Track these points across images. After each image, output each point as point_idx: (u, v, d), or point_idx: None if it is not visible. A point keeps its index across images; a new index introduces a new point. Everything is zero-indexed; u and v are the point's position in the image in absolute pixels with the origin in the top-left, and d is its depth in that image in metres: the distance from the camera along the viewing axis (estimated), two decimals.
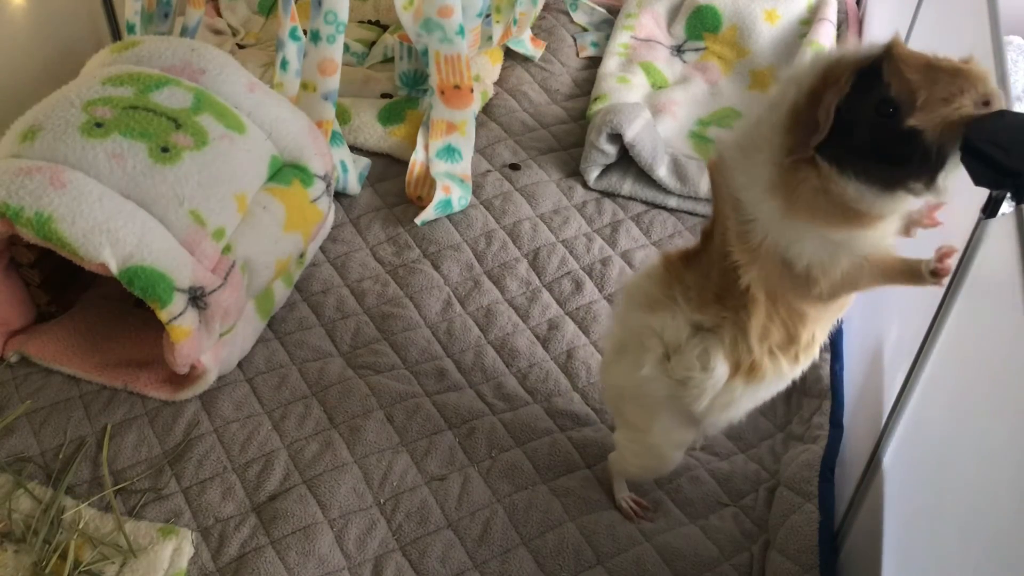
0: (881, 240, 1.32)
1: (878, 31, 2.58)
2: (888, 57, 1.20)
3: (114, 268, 1.75)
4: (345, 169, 2.39)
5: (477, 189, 2.44)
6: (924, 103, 1.17)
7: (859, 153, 1.23)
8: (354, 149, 2.54)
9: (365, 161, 2.50)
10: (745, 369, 1.48)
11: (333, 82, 2.31)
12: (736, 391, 1.51)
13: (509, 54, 2.90)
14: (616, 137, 2.38)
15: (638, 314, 1.55)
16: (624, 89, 2.65)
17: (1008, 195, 1.14)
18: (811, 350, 1.50)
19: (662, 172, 2.38)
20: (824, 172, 1.26)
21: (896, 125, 1.18)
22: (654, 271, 1.56)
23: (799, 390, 1.96)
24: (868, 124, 1.21)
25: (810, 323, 1.46)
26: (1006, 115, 1.14)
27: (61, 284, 2.05)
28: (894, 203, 1.26)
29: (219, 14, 3.00)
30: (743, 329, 1.44)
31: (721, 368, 1.48)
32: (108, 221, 1.75)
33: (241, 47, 2.90)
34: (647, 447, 1.66)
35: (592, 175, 2.45)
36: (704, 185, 2.37)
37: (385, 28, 2.97)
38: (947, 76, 1.17)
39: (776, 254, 1.36)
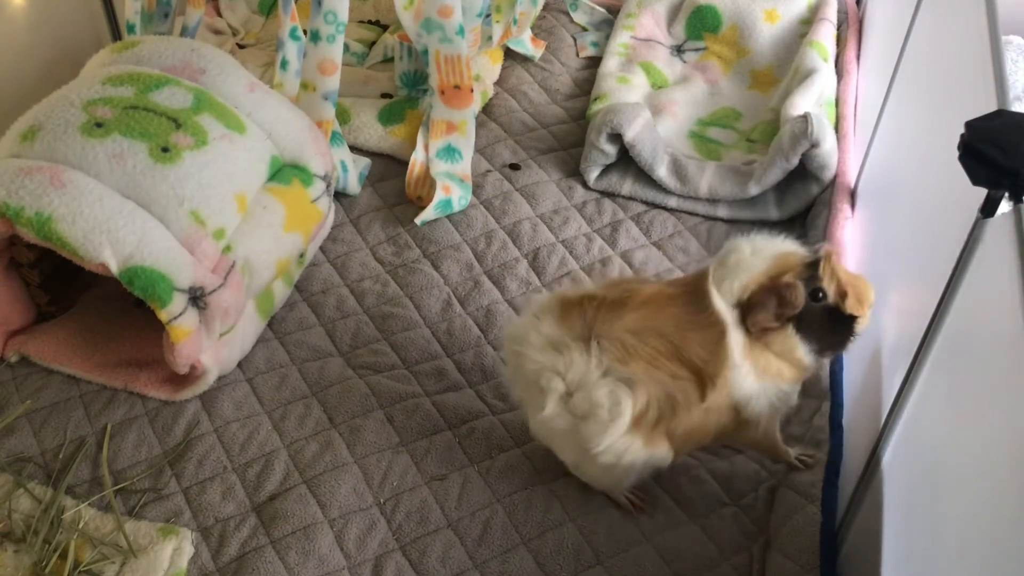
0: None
1: (878, 31, 2.58)
2: (826, 260, 1.57)
3: (114, 268, 1.75)
4: (345, 169, 2.39)
5: (477, 189, 2.45)
6: (852, 298, 1.57)
7: (813, 326, 1.58)
8: (354, 149, 2.54)
9: (365, 161, 2.50)
10: (647, 428, 1.60)
11: (333, 82, 2.31)
12: (632, 445, 1.60)
13: (509, 54, 2.90)
14: (616, 137, 2.38)
15: (535, 356, 1.62)
16: (624, 89, 2.65)
17: (1006, 194, 1.14)
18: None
19: (662, 172, 2.38)
20: (788, 337, 1.58)
21: (838, 310, 1.57)
22: (546, 315, 1.63)
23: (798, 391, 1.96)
24: (814, 307, 1.57)
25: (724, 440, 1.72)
26: (1004, 115, 1.14)
27: (61, 284, 2.05)
28: (818, 363, 1.66)
29: (219, 14, 3.00)
30: (673, 405, 1.59)
31: (628, 411, 1.56)
32: (108, 221, 1.75)
33: (241, 47, 2.91)
34: (596, 473, 1.72)
35: (592, 175, 2.45)
36: (704, 185, 2.37)
37: (385, 28, 2.97)
38: (862, 285, 1.59)
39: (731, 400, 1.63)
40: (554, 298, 1.65)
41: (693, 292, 1.61)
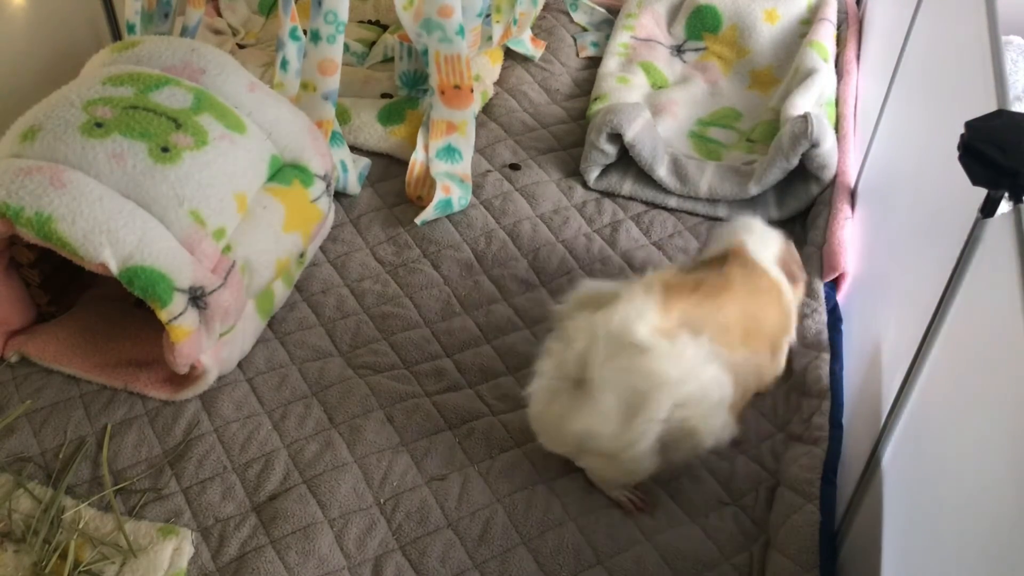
0: None
1: (878, 31, 2.58)
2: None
3: (114, 268, 1.75)
4: (345, 169, 2.39)
5: (477, 189, 2.45)
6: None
7: None
8: (354, 149, 2.54)
9: (365, 161, 2.50)
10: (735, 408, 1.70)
11: (333, 82, 2.31)
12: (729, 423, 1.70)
13: (509, 54, 2.90)
14: (616, 137, 2.38)
15: (634, 358, 1.56)
16: (624, 89, 2.65)
17: (1006, 194, 1.14)
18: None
19: (662, 172, 2.38)
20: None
21: None
22: (648, 306, 1.57)
23: (799, 390, 1.96)
24: None
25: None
26: (1004, 115, 1.14)
27: (61, 284, 2.05)
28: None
29: (219, 14, 3.00)
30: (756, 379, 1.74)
31: (729, 395, 1.67)
32: (108, 221, 1.75)
33: (241, 47, 2.91)
34: (623, 466, 1.69)
35: (592, 175, 2.45)
36: (704, 185, 2.37)
37: (385, 28, 2.97)
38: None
39: None
40: (655, 285, 1.61)
41: (741, 268, 1.74)
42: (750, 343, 1.67)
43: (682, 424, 1.62)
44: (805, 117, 2.26)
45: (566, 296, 1.71)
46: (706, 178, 2.37)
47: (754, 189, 2.33)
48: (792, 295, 1.82)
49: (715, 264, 1.76)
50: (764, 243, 1.82)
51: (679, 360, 1.57)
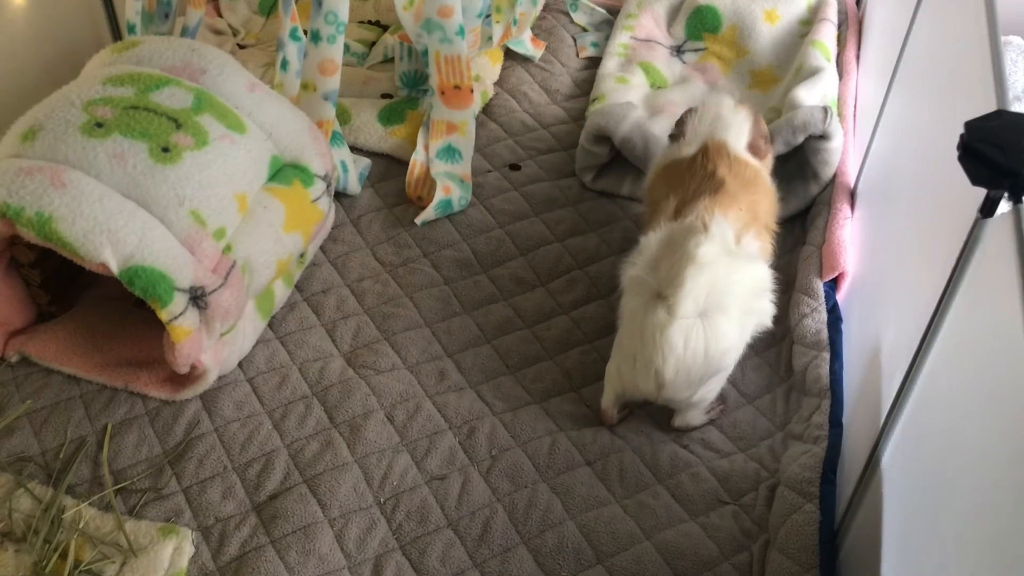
0: None
1: (878, 31, 2.58)
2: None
3: (115, 268, 1.75)
4: (345, 169, 2.39)
5: (477, 189, 2.45)
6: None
7: None
8: (354, 149, 2.54)
9: (365, 161, 2.50)
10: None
11: (333, 82, 2.31)
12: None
13: (509, 54, 2.90)
14: (606, 139, 2.39)
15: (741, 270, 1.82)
16: (623, 89, 2.65)
17: (1005, 194, 1.14)
18: None
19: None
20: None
21: None
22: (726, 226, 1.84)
23: (799, 390, 1.96)
24: None
25: None
26: (1003, 115, 1.14)
27: (62, 284, 2.05)
28: None
29: (219, 14, 3.00)
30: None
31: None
32: (109, 221, 1.75)
33: (241, 47, 2.91)
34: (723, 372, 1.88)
35: (587, 176, 2.45)
36: None
37: (385, 28, 2.97)
38: None
39: None
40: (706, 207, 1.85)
41: (727, 167, 1.94)
42: (760, 233, 1.90)
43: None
44: (825, 109, 2.27)
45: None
46: None
47: None
48: (767, 174, 2.04)
49: (699, 162, 1.95)
50: (739, 134, 2.02)
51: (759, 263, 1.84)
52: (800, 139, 2.29)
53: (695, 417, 1.90)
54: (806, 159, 2.34)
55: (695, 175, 1.93)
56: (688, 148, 2.01)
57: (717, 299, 1.74)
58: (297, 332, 2.09)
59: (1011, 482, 1.00)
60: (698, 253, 1.72)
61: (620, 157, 2.46)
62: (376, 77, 2.74)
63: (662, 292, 1.74)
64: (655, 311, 1.74)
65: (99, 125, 1.86)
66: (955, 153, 1.15)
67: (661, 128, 2.56)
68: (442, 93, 2.47)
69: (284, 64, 2.33)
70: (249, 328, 2.01)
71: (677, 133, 2.09)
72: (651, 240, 1.82)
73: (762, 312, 1.85)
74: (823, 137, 2.27)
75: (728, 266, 1.76)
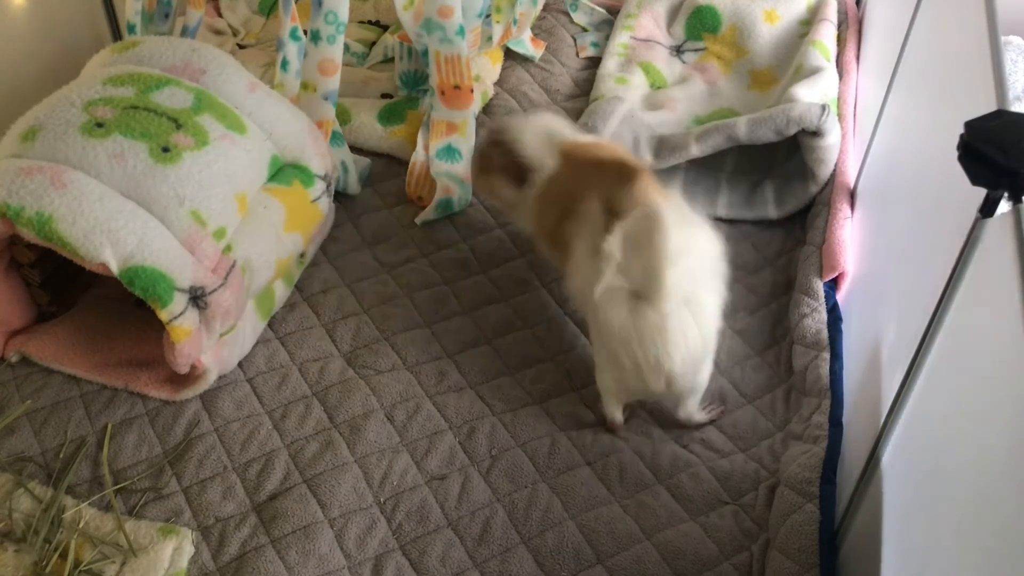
0: None
1: (878, 31, 2.58)
2: None
3: (115, 268, 1.75)
4: (345, 169, 2.39)
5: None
6: None
7: None
8: (354, 149, 2.54)
9: (365, 161, 2.50)
10: None
11: (333, 82, 2.31)
12: None
13: (509, 54, 2.90)
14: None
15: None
16: (623, 89, 2.65)
17: (1005, 194, 1.14)
18: None
19: (648, 159, 2.39)
20: None
21: None
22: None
23: (799, 390, 1.96)
24: None
25: None
26: (1003, 115, 1.14)
27: (62, 284, 2.05)
28: None
29: (219, 14, 3.00)
30: None
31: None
32: (109, 221, 1.76)
33: (241, 47, 2.91)
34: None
35: None
36: (694, 146, 2.37)
37: (385, 28, 2.97)
38: None
39: None
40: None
41: (588, 152, 2.00)
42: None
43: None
44: (824, 107, 2.27)
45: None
46: (693, 139, 2.37)
47: (743, 133, 2.32)
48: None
49: (577, 166, 1.96)
50: (564, 127, 2.08)
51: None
52: (793, 130, 2.28)
53: (696, 406, 1.90)
54: (804, 154, 2.34)
55: (585, 178, 1.91)
56: (548, 166, 1.99)
57: (693, 278, 1.71)
58: (297, 332, 2.09)
59: (1011, 482, 1.00)
60: (666, 245, 1.65)
61: None
62: (376, 77, 2.74)
63: (644, 294, 1.70)
64: (644, 315, 1.70)
65: (99, 125, 1.86)
66: (955, 153, 1.15)
67: (660, 122, 2.55)
68: (442, 93, 2.47)
69: (284, 64, 2.33)
70: (249, 328, 2.01)
71: (519, 171, 2.04)
72: (612, 246, 1.71)
73: (722, 270, 1.80)
74: (817, 134, 2.27)
75: (690, 242, 1.71)
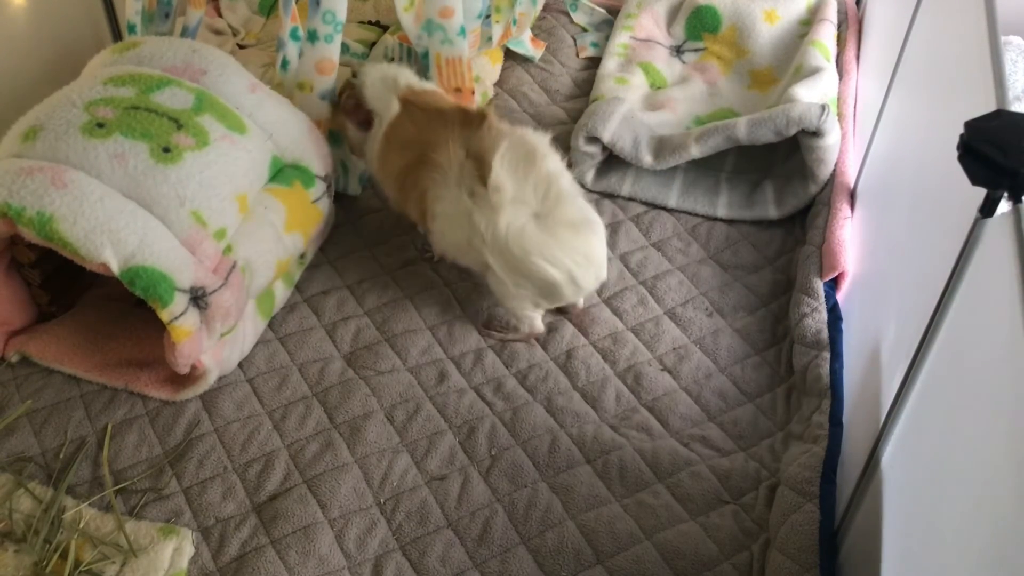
0: None
1: (878, 31, 2.58)
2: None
3: (115, 268, 1.75)
4: (345, 170, 2.39)
5: None
6: None
7: None
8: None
9: None
10: None
11: (330, 81, 2.31)
12: None
13: (509, 55, 2.90)
14: (596, 139, 2.40)
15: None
16: (623, 90, 2.65)
17: (1005, 194, 1.14)
18: None
19: (648, 159, 2.39)
20: None
21: None
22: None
23: (799, 389, 1.96)
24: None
25: None
26: (1003, 115, 1.14)
27: (62, 284, 2.05)
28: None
29: (219, 14, 3.00)
30: None
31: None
32: (109, 221, 1.76)
33: (242, 47, 2.91)
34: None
35: (587, 177, 2.45)
36: (694, 147, 2.37)
37: (385, 29, 2.97)
38: None
39: None
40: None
41: (428, 98, 2.15)
42: None
43: None
44: (824, 107, 2.27)
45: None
46: (692, 140, 2.37)
47: (743, 133, 2.32)
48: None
49: (424, 109, 2.07)
50: (409, 75, 2.18)
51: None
52: (792, 131, 2.28)
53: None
54: (803, 154, 2.34)
55: (431, 126, 2.03)
56: (391, 111, 2.11)
57: (576, 189, 1.98)
58: (297, 333, 2.09)
59: (1011, 482, 1.00)
60: (548, 160, 1.92)
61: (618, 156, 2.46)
62: None
63: (544, 211, 1.90)
64: (555, 231, 1.90)
65: (100, 125, 1.86)
66: (955, 153, 1.15)
67: (659, 122, 2.55)
68: None
69: (284, 64, 2.33)
70: (249, 328, 2.01)
71: (365, 115, 2.19)
72: (499, 180, 1.87)
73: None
74: (817, 134, 2.27)
75: (556, 159, 1.97)
